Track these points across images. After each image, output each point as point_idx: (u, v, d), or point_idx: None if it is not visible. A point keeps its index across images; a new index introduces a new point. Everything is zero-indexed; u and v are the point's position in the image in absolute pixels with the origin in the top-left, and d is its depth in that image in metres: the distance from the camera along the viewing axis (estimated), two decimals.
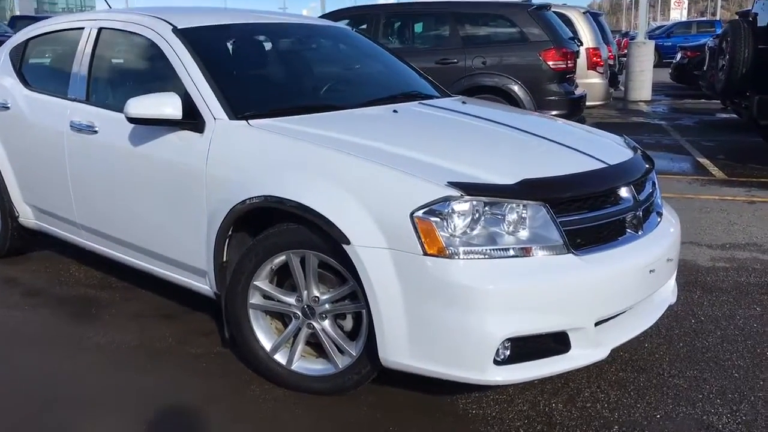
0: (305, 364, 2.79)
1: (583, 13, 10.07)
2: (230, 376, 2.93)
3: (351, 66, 4.05)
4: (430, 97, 3.68)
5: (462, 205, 2.37)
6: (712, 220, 5.33)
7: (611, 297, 2.52)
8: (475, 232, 2.39)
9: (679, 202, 5.85)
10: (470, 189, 2.39)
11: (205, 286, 3.10)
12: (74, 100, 3.63)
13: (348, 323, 2.73)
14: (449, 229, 2.36)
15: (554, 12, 9.01)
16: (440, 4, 8.03)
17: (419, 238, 2.35)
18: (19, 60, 4.14)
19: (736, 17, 8.78)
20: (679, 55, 14.96)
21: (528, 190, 2.45)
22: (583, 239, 2.53)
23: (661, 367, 3.01)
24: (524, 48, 7.45)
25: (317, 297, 2.69)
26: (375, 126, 3.03)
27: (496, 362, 2.38)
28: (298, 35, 3.92)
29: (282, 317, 2.87)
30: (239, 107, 2.99)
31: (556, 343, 2.47)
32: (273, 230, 2.71)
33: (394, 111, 3.20)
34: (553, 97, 7.47)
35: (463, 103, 3.60)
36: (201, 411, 2.69)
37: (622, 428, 2.57)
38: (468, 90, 7.43)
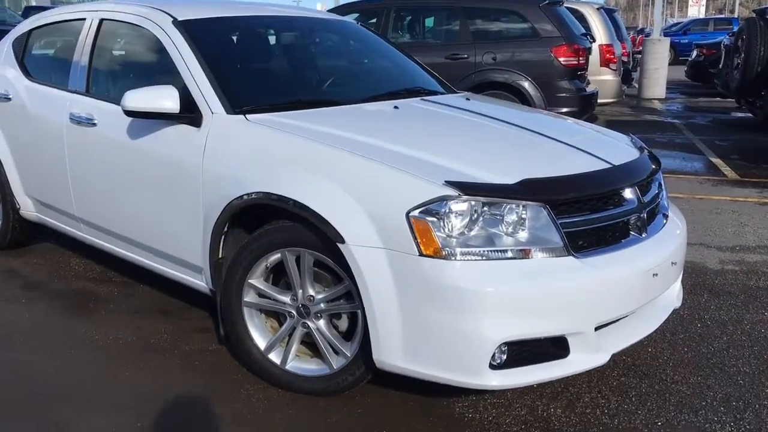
0: (299, 364, 2.74)
1: (597, 9, 9.95)
2: (224, 374, 2.89)
3: (354, 61, 3.99)
4: (434, 93, 3.62)
5: (459, 205, 2.31)
6: (723, 221, 5.23)
7: (612, 301, 2.45)
8: (472, 233, 2.33)
9: (690, 203, 5.76)
10: (468, 188, 2.32)
11: (201, 282, 3.06)
12: (74, 91, 3.59)
13: (343, 323, 2.68)
14: (446, 230, 2.30)
15: (567, 8, 8.90)
16: None
17: (415, 238, 2.29)
18: (21, 51, 4.11)
19: (753, 15, 8.64)
20: (694, 53, 14.80)
21: (528, 190, 2.38)
22: (584, 241, 2.46)
23: (665, 373, 2.94)
24: (535, 44, 7.35)
25: (312, 296, 2.65)
26: (374, 122, 2.97)
27: (492, 366, 2.33)
28: (301, 29, 3.87)
29: (277, 316, 2.82)
30: (237, 101, 2.94)
31: (555, 347, 2.41)
32: (268, 227, 2.66)
33: (395, 107, 3.14)
34: (563, 94, 7.38)
35: (467, 99, 3.53)
36: (191, 410, 2.65)
37: None
38: (478, 86, 7.36)
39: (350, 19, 8.24)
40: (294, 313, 2.70)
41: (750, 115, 10.55)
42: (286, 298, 2.70)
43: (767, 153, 7.97)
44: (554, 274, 2.34)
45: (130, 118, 3.10)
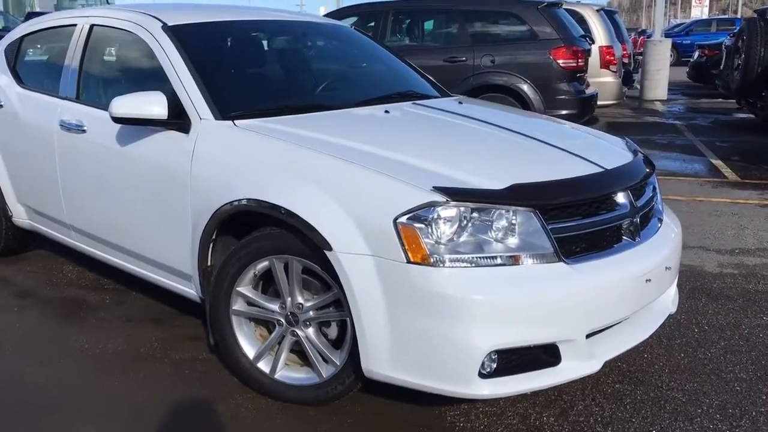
0: (289, 373, 2.71)
1: (597, 10, 9.90)
2: (213, 383, 2.86)
3: (346, 65, 3.96)
4: (427, 96, 3.58)
5: (447, 211, 2.28)
6: (722, 223, 5.18)
7: (604, 307, 2.41)
8: (461, 239, 2.29)
9: (689, 205, 5.71)
10: (456, 194, 2.29)
11: (191, 290, 3.03)
12: (65, 98, 3.57)
13: (333, 331, 2.64)
14: (434, 236, 2.27)
15: (567, 9, 8.88)
16: (449, 1, 7.92)
17: (403, 245, 2.26)
18: (13, 57, 4.09)
19: (754, 15, 8.60)
20: (696, 54, 14.75)
21: (517, 195, 2.34)
22: (576, 247, 2.42)
23: (660, 379, 2.90)
24: (534, 46, 7.32)
25: (301, 304, 2.61)
26: (364, 127, 2.93)
27: (482, 375, 2.29)
28: (293, 33, 3.84)
29: (266, 324, 2.79)
30: (226, 107, 2.91)
31: (546, 355, 2.37)
32: (256, 234, 2.63)
33: (386, 111, 3.11)
34: (563, 97, 7.34)
35: (460, 103, 3.49)
36: (180, 420, 2.62)
37: None
38: (476, 89, 7.34)
39: (349, 22, 8.27)
40: (283, 321, 2.66)
41: (752, 116, 10.49)
42: (275, 306, 2.66)
43: None
44: (544, 281, 2.30)
45: (119, 125, 3.07)
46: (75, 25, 3.68)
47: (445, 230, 2.28)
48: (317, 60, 3.90)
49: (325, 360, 2.62)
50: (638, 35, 21.58)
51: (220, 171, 2.73)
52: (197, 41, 3.22)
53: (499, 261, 2.29)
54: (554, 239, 2.35)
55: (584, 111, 7.64)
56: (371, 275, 2.31)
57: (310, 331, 2.63)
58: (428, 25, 8.31)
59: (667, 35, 24.09)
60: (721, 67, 9.95)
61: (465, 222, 2.30)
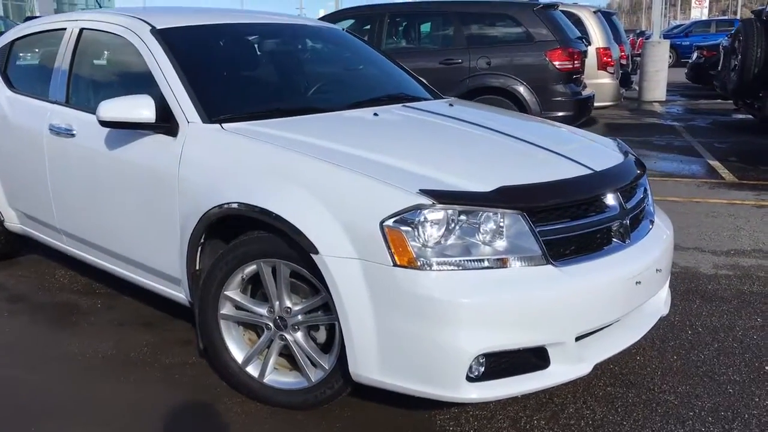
0: (278, 377, 2.69)
1: (594, 12, 9.89)
2: (202, 388, 2.84)
3: (337, 67, 3.95)
4: (418, 99, 3.57)
5: (434, 214, 2.26)
6: (719, 225, 5.16)
7: (593, 310, 2.39)
8: (448, 242, 2.27)
9: (685, 206, 5.69)
10: (443, 197, 2.27)
11: (180, 294, 3.02)
12: (54, 102, 3.56)
13: (321, 335, 2.62)
14: (421, 239, 2.25)
15: (564, 11, 8.87)
16: (444, 4, 7.91)
17: (389, 248, 2.24)
18: (4, 62, 4.08)
19: (752, 16, 8.58)
20: (695, 55, 14.73)
21: (504, 197, 2.33)
22: (564, 249, 2.40)
23: (652, 382, 2.88)
24: (530, 48, 7.31)
25: (289, 308, 2.59)
26: (351, 130, 2.92)
27: (470, 379, 2.27)
28: (283, 36, 3.82)
29: (255, 328, 2.77)
30: (213, 110, 2.90)
31: (535, 358, 2.35)
32: (243, 238, 2.61)
33: (375, 114, 3.09)
34: (559, 98, 7.33)
35: (450, 105, 3.48)
36: (168, 425, 2.60)
37: None
38: (472, 91, 7.33)
39: (345, 25, 8.26)
40: (271, 325, 2.65)
41: (750, 116, 10.47)
42: (263, 310, 2.65)
43: (766, 155, 7.90)
44: (532, 284, 2.28)
45: (108, 129, 3.06)
46: (65, 29, 3.67)
47: (432, 233, 2.26)
48: (307, 63, 3.88)
49: (314, 364, 2.60)
50: (636, 36, 21.57)
51: (207, 174, 2.72)
52: (186, 44, 3.20)
53: (486, 264, 2.28)
54: (542, 241, 2.33)
55: (581, 113, 7.62)
56: (358, 279, 2.29)
57: (299, 335, 2.62)
58: (424, 27, 8.31)
59: (666, 36, 24.07)
60: (719, 68, 9.93)
61: (452, 225, 2.28)
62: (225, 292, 2.67)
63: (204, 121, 2.85)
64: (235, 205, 2.56)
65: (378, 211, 2.27)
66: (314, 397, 2.60)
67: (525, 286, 2.27)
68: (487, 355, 2.28)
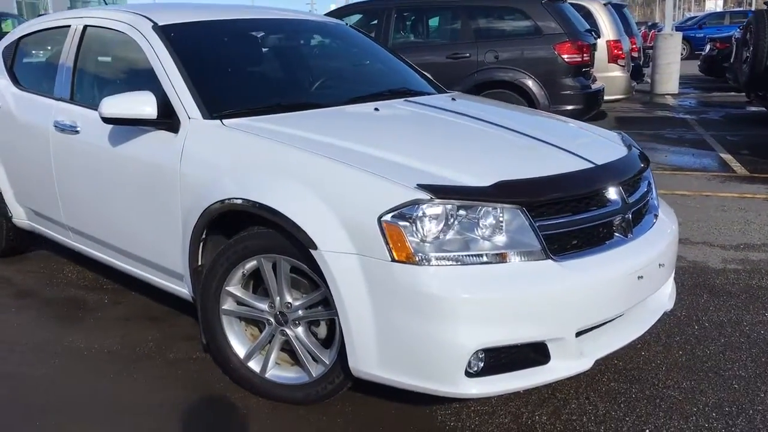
0: (279, 372, 2.69)
1: (605, 4, 9.80)
2: (205, 383, 2.85)
3: (340, 62, 3.93)
4: (421, 93, 3.55)
5: (432, 209, 2.25)
6: (729, 219, 5.11)
7: (594, 305, 2.37)
8: (446, 237, 2.26)
9: (696, 200, 5.64)
10: (441, 191, 2.26)
11: (183, 290, 3.03)
12: (59, 99, 3.58)
13: (322, 330, 2.62)
14: (419, 234, 2.24)
15: (573, 4, 8.80)
16: None
17: (387, 243, 2.23)
18: (10, 59, 4.11)
19: (764, 7, 8.48)
20: (708, 47, 14.58)
21: (503, 192, 2.31)
22: (564, 244, 2.38)
23: (657, 377, 2.85)
24: (538, 41, 7.25)
25: (290, 303, 2.60)
26: (351, 125, 2.91)
27: (469, 374, 2.26)
28: (285, 31, 3.82)
29: (257, 323, 2.78)
30: (214, 106, 2.90)
31: (535, 353, 2.34)
32: (243, 234, 2.62)
33: (376, 109, 3.08)
34: (568, 92, 7.27)
35: (453, 99, 3.46)
36: (169, 420, 2.61)
37: None
38: (480, 85, 7.29)
39: (352, 20, 8.24)
40: (272, 320, 2.65)
41: (763, 109, 10.35)
42: (264, 306, 2.65)
43: None
44: (531, 279, 2.27)
45: (111, 125, 3.07)
46: (69, 26, 3.69)
47: (430, 228, 2.25)
48: (309, 58, 3.88)
49: (315, 359, 2.60)
50: (648, 29, 21.36)
51: (208, 170, 2.72)
52: (187, 40, 3.20)
53: (485, 259, 2.26)
54: (542, 236, 2.32)
55: (590, 106, 7.56)
56: (356, 274, 2.29)
57: (300, 330, 2.62)
58: (432, 21, 8.26)
59: (680, 29, 23.85)
60: (732, 60, 9.82)
61: (450, 220, 2.27)
62: (226, 288, 2.68)
63: (205, 117, 2.86)
64: (235, 201, 2.56)
65: (376, 206, 2.26)
66: (315, 392, 2.60)
67: (524, 281, 2.26)
68: (486, 351, 2.27)
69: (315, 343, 2.61)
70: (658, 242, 2.68)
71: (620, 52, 9.54)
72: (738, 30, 10.25)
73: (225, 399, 2.73)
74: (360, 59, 3.94)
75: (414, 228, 2.24)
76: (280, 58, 3.69)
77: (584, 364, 2.39)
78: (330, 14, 8.23)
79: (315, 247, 2.34)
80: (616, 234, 2.56)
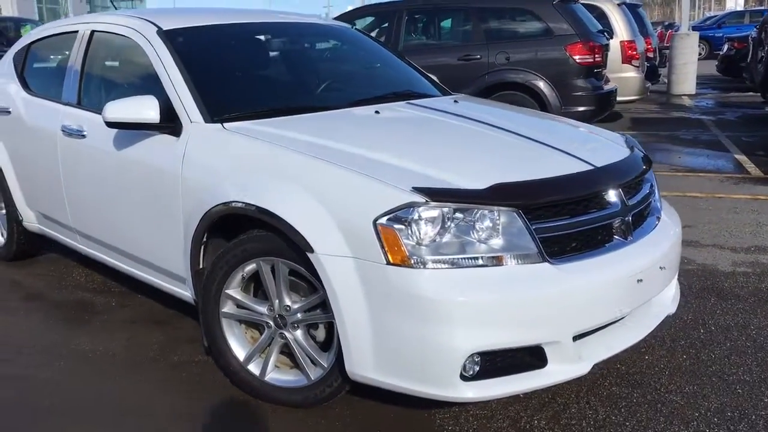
0: (278, 375, 2.70)
1: (618, 4, 9.72)
2: (206, 386, 2.87)
3: (343, 65, 3.94)
4: (424, 96, 3.55)
5: (427, 212, 2.25)
6: (741, 221, 5.05)
7: (591, 309, 2.36)
8: (442, 240, 2.26)
9: (708, 202, 5.58)
10: (436, 194, 2.26)
11: (186, 293, 3.05)
12: (67, 103, 3.63)
13: (321, 333, 2.63)
14: (414, 237, 2.24)
15: (587, 4, 8.75)
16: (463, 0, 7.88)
17: (382, 246, 2.24)
18: (21, 64, 4.17)
19: None
20: (726, 47, 14.42)
21: (499, 195, 2.30)
22: (562, 247, 2.37)
23: (659, 382, 2.83)
24: (549, 42, 7.22)
25: (289, 306, 2.61)
26: (351, 128, 2.91)
27: (465, 378, 2.25)
28: (289, 35, 3.83)
29: (258, 326, 2.79)
30: (216, 110, 2.93)
31: (532, 357, 2.33)
32: (243, 237, 2.63)
33: (376, 112, 3.08)
34: (580, 93, 7.23)
35: (456, 102, 3.45)
36: (168, 423, 2.63)
37: None
38: (491, 87, 7.28)
39: (363, 22, 8.26)
40: (271, 323, 2.66)
41: None
42: (263, 309, 2.66)
43: None
44: (527, 282, 2.26)
45: (116, 129, 3.11)
46: (77, 31, 3.73)
47: (426, 231, 2.25)
48: (313, 61, 3.89)
49: (314, 362, 2.61)
50: (665, 29, 21.15)
51: (208, 173, 2.74)
52: (191, 45, 3.23)
53: (480, 262, 2.26)
54: (539, 239, 2.31)
55: (602, 107, 7.51)
56: (352, 277, 2.29)
57: (298, 333, 2.63)
58: (443, 23, 8.26)
59: (699, 28, 23.59)
60: (748, 59, 9.70)
61: (446, 223, 2.27)
62: (226, 291, 2.69)
63: (206, 121, 2.88)
64: (234, 204, 2.58)
65: (371, 209, 2.27)
66: (314, 395, 2.60)
67: (520, 285, 2.25)
68: (482, 354, 2.26)
69: (313, 346, 2.62)
70: (659, 245, 2.65)
71: (634, 53, 9.47)
72: (754, 29, 10.13)
73: (225, 402, 2.75)
74: (364, 62, 3.95)
75: (409, 231, 2.24)
76: (284, 61, 3.71)
77: (582, 368, 2.38)
78: (341, 17, 8.25)
79: (311, 250, 2.35)
80: (616, 237, 2.54)
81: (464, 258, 2.25)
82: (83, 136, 3.42)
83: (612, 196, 2.54)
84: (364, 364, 2.34)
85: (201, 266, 2.84)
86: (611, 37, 8.65)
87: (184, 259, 2.92)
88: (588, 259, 2.40)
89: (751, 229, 4.84)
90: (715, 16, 30.27)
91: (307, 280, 2.53)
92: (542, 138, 2.81)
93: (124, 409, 2.72)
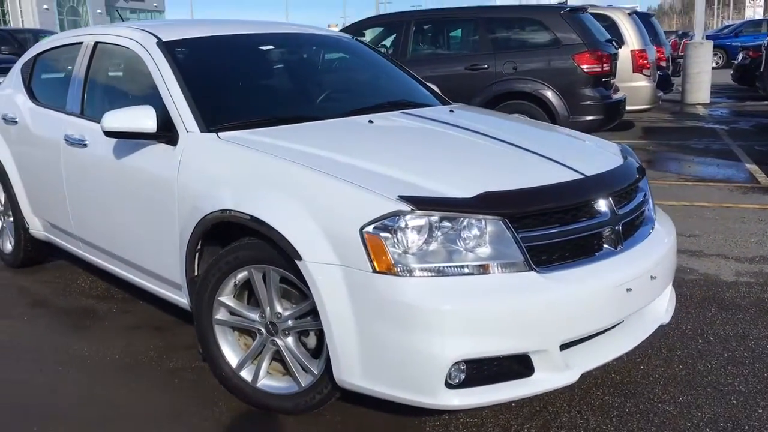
0: (270, 382, 2.72)
1: (629, 14, 9.70)
2: (199, 392, 2.90)
3: (342, 75, 3.98)
4: (420, 105, 3.57)
5: (414, 220, 2.26)
6: (747, 231, 5.00)
7: (579, 318, 2.35)
8: (428, 248, 2.27)
9: (715, 211, 5.54)
10: (422, 203, 2.27)
11: (183, 299, 3.08)
12: (70, 113, 3.69)
13: (311, 341, 2.65)
14: (401, 246, 2.25)
15: (596, 14, 8.75)
16: (470, 10, 7.89)
17: (369, 254, 2.25)
18: (28, 75, 4.25)
19: None
20: (740, 56, 14.32)
21: (485, 203, 2.31)
22: (549, 256, 2.37)
23: (653, 392, 2.81)
24: (557, 52, 7.22)
25: (280, 313, 2.63)
26: (343, 137, 2.94)
27: (450, 386, 2.26)
28: (288, 45, 3.87)
29: (251, 333, 2.81)
30: (211, 120, 2.97)
31: (518, 365, 2.33)
32: (235, 245, 2.66)
33: (370, 121, 3.11)
34: (588, 102, 7.21)
35: (451, 111, 3.47)
36: (160, 429, 2.66)
37: None
38: (499, 96, 7.29)
39: (374, 32, 8.31)
40: (263, 330, 2.68)
41: None
42: (255, 316, 2.69)
43: None
44: (513, 291, 2.26)
45: (115, 139, 3.16)
46: (81, 43, 3.80)
47: (412, 239, 2.26)
48: (310, 72, 3.92)
49: (304, 369, 2.62)
50: (679, 38, 21.00)
51: (202, 182, 2.78)
52: (189, 56, 3.29)
53: (466, 270, 2.27)
54: (525, 248, 2.31)
55: (611, 116, 7.48)
56: (339, 285, 2.31)
57: (290, 340, 2.65)
58: (450, 33, 8.29)
59: (715, 37, 23.44)
60: (762, 68, 9.63)
61: (432, 231, 2.28)
62: (219, 298, 2.72)
63: (202, 131, 2.92)
64: (225, 212, 2.61)
65: (358, 218, 2.28)
66: (305, 402, 2.62)
67: (505, 293, 2.25)
68: (467, 362, 2.26)
69: (304, 353, 2.64)
70: (650, 254, 2.64)
71: (645, 62, 9.42)
72: (767, 38, 10.05)
73: (218, 408, 2.77)
74: (362, 72, 3.98)
75: (395, 239, 2.25)
76: (281, 72, 3.74)
77: (570, 377, 2.37)
78: (350, 27, 8.31)
79: (300, 258, 2.37)
80: (605, 246, 2.53)
81: (450, 266, 2.26)
82: (85, 146, 3.47)
83: (601, 205, 2.54)
84: (352, 371, 2.35)
85: (196, 273, 2.87)
86: (620, 46, 8.62)
87: (179, 266, 2.95)
88: (576, 268, 2.40)
89: (757, 239, 4.80)
90: (732, 24, 30.06)
91: (298, 287, 2.55)
92: (534, 147, 2.82)
93: (116, 413, 2.75)
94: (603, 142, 3.20)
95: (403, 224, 2.26)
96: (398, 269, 2.23)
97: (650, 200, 2.94)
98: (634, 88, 9.24)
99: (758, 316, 3.52)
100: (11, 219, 4.40)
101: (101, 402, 2.85)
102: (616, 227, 2.56)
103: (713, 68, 14.75)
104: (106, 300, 3.98)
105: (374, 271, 2.24)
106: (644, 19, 10.85)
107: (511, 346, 2.27)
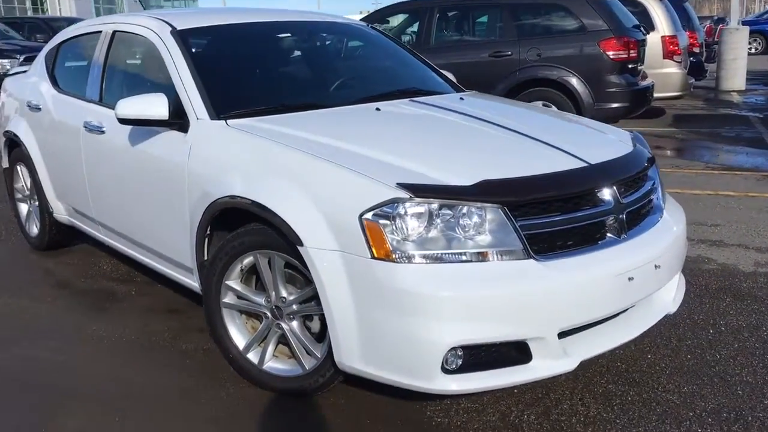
0: (275, 364, 2.78)
1: None
2: (209, 373, 2.97)
3: (353, 63, 3.99)
4: (430, 93, 3.57)
5: (412, 207, 2.28)
6: None
7: (578, 306, 2.35)
8: (427, 235, 2.29)
9: (739, 201, 5.44)
10: (420, 190, 2.29)
11: (194, 283, 3.15)
12: (90, 100, 3.78)
13: (315, 325, 2.69)
14: (399, 233, 2.28)
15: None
16: None
17: (367, 240, 2.28)
18: (52, 63, 4.36)
19: None
20: None
21: (484, 191, 2.32)
22: (549, 244, 2.38)
23: (658, 381, 2.80)
24: (582, 38, 7.13)
25: (284, 298, 2.68)
26: (349, 125, 2.96)
27: (447, 371, 2.29)
28: (302, 33, 3.90)
29: (258, 316, 2.87)
30: (221, 107, 3.01)
31: (516, 352, 2.34)
32: (241, 230, 2.71)
33: (377, 109, 3.13)
34: (613, 89, 7.12)
35: (461, 99, 3.46)
36: (168, 408, 2.73)
37: None
38: (523, 83, 7.23)
39: (397, 19, 8.28)
40: (269, 314, 2.74)
41: None
42: (261, 300, 2.74)
43: None
44: (511, 278, 2.27)
45: (129, 126, 3.23)
46: (101, 31, 3.88)
47: (412, 226, 2.29)
48: (322, 59, 3.94)
49: (308, 353, 2.67)
50: (715, 24, 20.51)
51: (211, 168, 2.84)
52: (202, 44, 3.34)
53: (465, 258, 2.28)
54: (525, 236, 2.32)
55: (637, 104, 7.37)
56: (339, 271, 2.35)
57: (294, 324, 2.69)
58: (474, 20, 8.23)
59: (753, 23, 22.79)
60: None
61: (431, 219, 2.30)
62: (226, 282, 2.78)
63: (212, 118, 2.97)
64: (232, 198, 2.66)
65: (358, 204, 2.31)
66: (309, 385, 2.67)
67: (503, 280, 2.26)
68: (464, 348, 2.29)
69: (308, 337, 2.69)
70: (655, 243, 2.62)
71: (676, 48, 9.24)
72: None
73: (225, 389, 2.84)
74: (375, 60, 3.99)
75: (394, 226, 2.28)
76: (293, 59, 3.77)
77: (568, 365, 2.38)
78: (372, 14, 8.30)
79: (302, 244, 2.41)
80: (608, 234, 2.53)
81: (448, 253, 2.28)
82: (103, 132, 3.56)
83: (605, 193, 2.53)
84: (351, 354, 2.39)
85: (206, 258, 2.94)
86: (648, 32, 8.46)
87: (190, 251, 3.02)
88: (577, 257, 2.39)
89: None
90: None
91: (302, 273, 2.59)
92: (540, 135, 2.81)
93: (127, 392, 2.84)
94: (614, 130, 3.17)
95: (401, 211, 2.28)
96: (397, 256, 2.26)
97: (659, 189, 2.91)
98: (665, 74, 9.07)
99: None
100: (37, 203, 4.53)
101: (117, 380, 2.94)
102: (620, 216, 2.55)
103: (751, 54, 14.40)
104: (125, 283, 4.09)
105: (373, 257, 2.27)
106: (677, 5, 10.62)
107: (508, 332, 2.28)
